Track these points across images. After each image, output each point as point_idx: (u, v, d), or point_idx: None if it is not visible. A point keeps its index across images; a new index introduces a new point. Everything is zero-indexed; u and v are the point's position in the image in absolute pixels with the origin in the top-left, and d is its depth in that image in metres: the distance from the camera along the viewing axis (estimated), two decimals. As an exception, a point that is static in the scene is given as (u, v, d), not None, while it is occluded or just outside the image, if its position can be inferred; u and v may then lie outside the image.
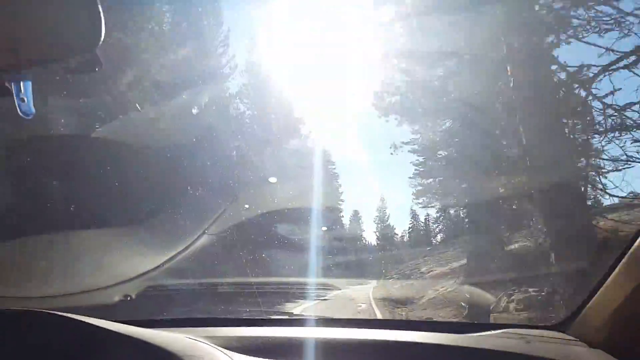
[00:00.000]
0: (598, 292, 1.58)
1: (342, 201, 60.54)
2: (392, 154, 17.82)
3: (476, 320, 9.12)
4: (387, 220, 59.48)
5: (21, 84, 0.99)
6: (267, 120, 21.69)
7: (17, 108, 1.00)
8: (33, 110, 1.03)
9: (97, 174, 11.59)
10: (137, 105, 14.64)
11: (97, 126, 11.88)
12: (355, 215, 60.90)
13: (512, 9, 10.19)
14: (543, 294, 8.84)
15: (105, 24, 0.94)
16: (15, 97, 0.99)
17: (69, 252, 8.60)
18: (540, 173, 9.80)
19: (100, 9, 0.93)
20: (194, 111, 16.59)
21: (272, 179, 19.53)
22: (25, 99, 1.00)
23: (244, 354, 1.48)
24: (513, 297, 9.98)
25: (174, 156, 14.12)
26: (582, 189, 10.17)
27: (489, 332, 1.90)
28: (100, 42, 0.96)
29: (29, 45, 0.94)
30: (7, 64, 0.95)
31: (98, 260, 8.33)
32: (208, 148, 16.45)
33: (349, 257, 49.63)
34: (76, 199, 10.80)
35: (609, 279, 1.52)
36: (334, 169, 47.41)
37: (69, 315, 1.43)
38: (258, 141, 20.22)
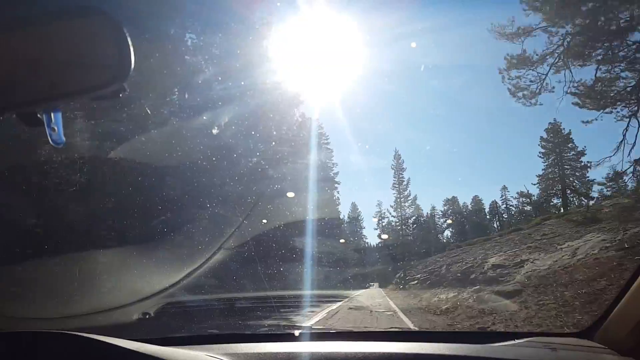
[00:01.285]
0: (625, 298, 1.54)
1: (361, 214, 61.27)
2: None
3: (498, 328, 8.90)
4: (404, 230, 59.53)
5: (52, 114, 1.02)
6: (286, 136, 21.98)
7: (49, 137, 1.03)
8: (63, 139, 1.05)
9: (114, 193, 11.79)
10: (147, 109, 14.94)
11: (114, 145, 12.10)
12: (377, 227, 61.36)
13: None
14: (566, 300, 8.61)
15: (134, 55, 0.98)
16: (46, 127, 1.02)
17: (88, 271, 8.70)
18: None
19: (130, 43, 0.97)
20: (215, 131, 16.92)
21: (290, 194, 19.78)
22: (56, 129, 1.03)
23: None
24: (535, 304, 9.78)
25: (195, 176, 14.39)
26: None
27: (513, 342, 1.85)
28: (130, 74, 0.99)
29: (63, 80, 0.98)
30: (41, 97, 0.99)
31: (116, 278, 8.41)
32: (228, 167, 16.72)
33: (368, 268, 49.52)
34: (94, 218, 10.98)
35: (635, 284, 1.48)
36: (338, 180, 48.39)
37: (87, 335, 1.44)
38: (276, 156, 20.48)
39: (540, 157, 43.33)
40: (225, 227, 12.66)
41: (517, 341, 1.85)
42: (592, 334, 1.74)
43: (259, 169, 18.93)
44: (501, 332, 3.58)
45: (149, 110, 13.38)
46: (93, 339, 1.42)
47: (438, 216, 57.69)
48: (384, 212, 62.22)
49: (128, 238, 10.85)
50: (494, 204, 58.35)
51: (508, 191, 55.49)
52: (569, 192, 40.75)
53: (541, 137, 42.71)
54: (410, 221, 59.68)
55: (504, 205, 56.26)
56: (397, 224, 60.19)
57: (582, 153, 40.98)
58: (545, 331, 7.43)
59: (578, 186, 40.85)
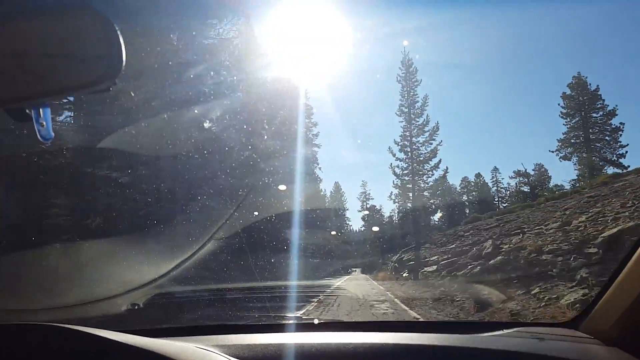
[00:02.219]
0: (611, 289, 1.56)
1: (347, 209, 61.35)
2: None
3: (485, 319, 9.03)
4: (395, 221, 59.73)
5: (40, 109, 1.01)
6: (276, 128, 22.07)
7: (37, 133, 1.02)
8: (52, 134, 1.04)
9: (103, 184, 11.70)
10: (132, 92, 14.77)
11: (102, 137, 11.99)
12: (366, 219, 61.60)
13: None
14: (553, 291, 8.72)
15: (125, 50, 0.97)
16: (34, 123, 1.01)
17: (75, 262, 8.65)
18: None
19: (121, 39, 0.96)
20: (207, 125, 16.79)
21: (282, 187, 19.89)
22: (45, 124, 1.02)
23: None
24: (523, 295, 9.89)
25: (186, 169, 14.34)
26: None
27: (501, 332, 1.88)
28: (122, 70, 0.98)
29: (52, 76, 0.97)
30: (31, 93, 0.98)
31: (105, 269, 8.38)
32: (219, 160, 16.72)
33: (360, 259, 49.69)
34: (82, 209, 10.89)
35: (622, 274, 1.49)
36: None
37: (74, 327, 1.42)
38: (267, 148, 20.53)
39: (562, 117, 39.24)
40: (216, 219, 12.65)
41: (505, 331, 1.88)
42: (578, 325, 1.77)
43: (250, 162, 19.00)
44: (490, 322, 3.66)
45: (132, 93, 13.18)
46: (79, 330, 1.40)
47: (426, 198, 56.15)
48: (368, 194, 62.66)
49: (117, 229, 10.79)
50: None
51: (499, 173, 55.17)
52: (597, 159, 35.91)
53: (563, 94, 38.89)
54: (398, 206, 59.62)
55: (495, 188, 55.81)
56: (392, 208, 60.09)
57: (613, 113, 36.86)
58: (533, 321, 7.59)
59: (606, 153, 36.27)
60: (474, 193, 56.75)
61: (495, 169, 56.62)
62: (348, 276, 34.21)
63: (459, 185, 57.50)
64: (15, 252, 8.03)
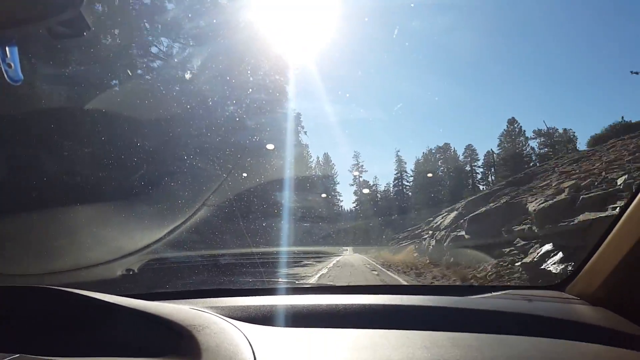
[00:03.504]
0: (597, 251, 1.61)
1: (338, 183, 59.88)
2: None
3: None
4: (387, 199, 58.76)
5: (7, 49, 0.97)
6: (262, 82, 21.02)
7: (4, 74, 0.99)
8: (21, 76, 1.01)
9: (93, 147, 11.53)
10: (128, 71, 14.39)
11: (90, 97, 11.67)
12: (357, 183, 60.47)
13: None
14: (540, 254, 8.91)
15: None
16: (1, 63, 0.98)
17: (69, 227, 8.65)
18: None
19: None
20: (187, 76, 16.21)
21: (270, 146, 19.18)
22: (12, 65, 0.99)
23: (249, 322, 1.50)
24: (512, 259, 10.13)
25: (170, 126, 13.92)
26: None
27: (490, 294, 1.94)
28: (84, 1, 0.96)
29: (8, 4, 0.92)
30: None
31: (98, 235, 8.40)
32: (204, 115, 16.16)
33: (350, 224, 49.53)
34: (73, 173, 10.78)
35: (608, 238, 1.56)
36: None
37: (70, 289, 1.46)
38: (254, 106, 19.75)
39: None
40: (205, 181, 12.53)
41: (494, 293, 1.94)
42: (565, 287, 1.84)
43: (236, 118, 18.23)
44: (480, 286, 3.72)
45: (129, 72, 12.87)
46: (76, 292, 1.44)
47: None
48: (361, 165, 60.52)
49: (106, 192, 10.71)
50: (489, 154, 53.49)
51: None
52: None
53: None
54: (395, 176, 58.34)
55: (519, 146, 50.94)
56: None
57: None
58: (521, 284, 7.79)
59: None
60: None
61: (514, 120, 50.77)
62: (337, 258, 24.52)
63: (462, 155, 54.33)
64: (4, 217, 7.98)
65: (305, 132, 40.47)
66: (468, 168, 53.54)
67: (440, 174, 54.23)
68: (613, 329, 1.40)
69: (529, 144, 45.63)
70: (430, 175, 52.05)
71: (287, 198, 22.66)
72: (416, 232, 28.38)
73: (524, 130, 44.98)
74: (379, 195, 60.28)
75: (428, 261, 16.34)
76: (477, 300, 1.80)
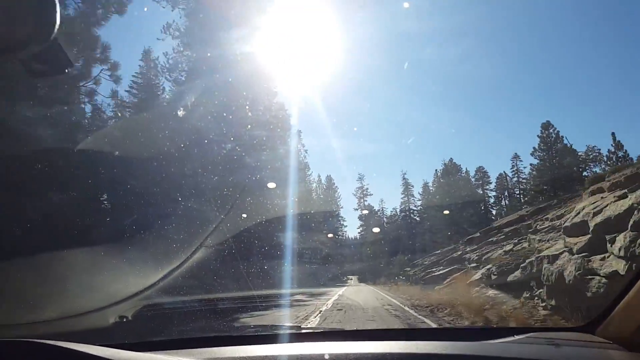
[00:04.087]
0: (632, 291, 1.54)
1: (341, 207, 59.72)
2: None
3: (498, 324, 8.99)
4: (395, 223, 58.57)
5: None
6: (262, 118, 20.91)
7: None
8: None
9: (81, 189, 11.49)
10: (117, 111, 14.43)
11: (77, 136, 11.74)
12: (363, 219, 60.16)
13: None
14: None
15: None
16: None
17: (56, 274, 8.49)
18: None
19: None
20: (181, 113, 16.21)
21: (271, 184, 18.98)
22: None
23: None
24: (536, 299, 9.83)
25: (163, 166, 13.84)
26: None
27: (512, 338, 1.85)
28: (55, 30, 0.95)
29: None
30: None
31: (89, 280, 8.25)
32: (199, 154, 16.07)
33: (358, 264, 48.65)
34: (60, 217, 10.71)
35: None
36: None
37: (55, 342, 1.39)
38: (254, 143, 19.60)
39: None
40: (202, 223, 12.36)
41: (516, 337, 1.85)
42: (594, 329, 1.74)
43: (234, 156, 17.96)
44: (499, 328, 3.59)
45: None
46: (60, 346, 1.37)
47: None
48: (366, 189, 60.36)
49: (96, 237, 10.59)
50: (502, 177, 53.70)
51: (521, 161, 50.96)
52: None
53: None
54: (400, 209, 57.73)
55: (516, 178, 51.99)
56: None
57: None
58: (544, 326, 7.55)
59: None
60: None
61: (517, 157, 51.44)
62: (342, 289, 26.33)
63: (474, 175, 54.34)
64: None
65: (306, 151, 40.54)
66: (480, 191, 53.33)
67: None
68: None
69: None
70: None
71: (290, 238, 22.32)
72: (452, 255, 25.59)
73: (562, 137, 40.65)
74: (386, 220, 59.99)
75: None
76: (500, 346, 1.73)
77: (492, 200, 54.57)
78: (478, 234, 26.00)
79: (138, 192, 12.49)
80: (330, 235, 41.93)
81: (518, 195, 50.81)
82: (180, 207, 13.85)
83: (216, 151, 17.48)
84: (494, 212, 52.82)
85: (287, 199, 21.97)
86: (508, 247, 16.62)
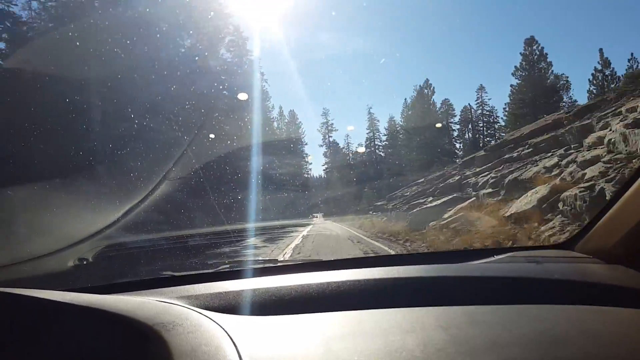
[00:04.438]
0: (613, 208, 1.61)
1: (306, 144, 59.57)
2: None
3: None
4: (362, 158, 59.18)
5: None
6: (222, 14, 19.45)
7: None
8: None
9: (18, 114, 10.62)
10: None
11: (18, 52, 10.72)
12: (328, 156, 60.60)
13: None
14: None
15: None
16: None
17: (8, 214, 8.16)
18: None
19: None
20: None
21: (242, 95, 18.05)
22: None
23: (229, 313, 1.37)
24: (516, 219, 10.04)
25: (122, 86, 12.72)
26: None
27: (492, 258, 1.91)
28: None
29: None
30: None
31: (39, 221, 7.93)
32: (151, 55, 14.68)
33: (324, 202, 49.44)
34: (12, 151, 10.09)
35: (628, 193, 1.54)
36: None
37: (12, 290, 1.27)
38: (214, 45, 18.34)
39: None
40: (163, 146, 11.50)
41: (497, 257, 1.92)
42: (573, 246, 1.84)
43: (195, 56, 16.53)
44: (480, 249, 3.90)
45: None
46: (13, 293, 1.26)
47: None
48: (331, 124, 60.51)
49: (52, 171, 9.99)
50: (466, 110, 55.06)
51: (486, 92, 52.55)
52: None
53: None
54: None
55: (479, 111, 53.41)
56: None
57: None
58: (526, 245, 7.79)
59: None
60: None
61: (482, 88, 53.55)
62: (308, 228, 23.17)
63: (439, 108, 54.72)
64: None
65: (266, 80, 39.26)
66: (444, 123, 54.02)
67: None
68: (637, 288, 1.41)
69: (552, 71, 41.11)
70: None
71: (260, 164, 21.85)
72: (447, 182, 23.28)
73: (547, 54, 40.20)
74: (351, 156, 60.72)
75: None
76: (483, 266, 1.79)
77: (455, 133, 56.03)
78: (483, 152, 25.23)
79: (91, 117, 11.56)
80: (293, 169, 41.92)
81: (481, 128, 52.74)
82: (135, 127, 12.48)
83: (172, 50, 15.50)
84: (457, 145, 54.74)
85: (253, 126, 20.99)
86: (553, 161, 13.35)
